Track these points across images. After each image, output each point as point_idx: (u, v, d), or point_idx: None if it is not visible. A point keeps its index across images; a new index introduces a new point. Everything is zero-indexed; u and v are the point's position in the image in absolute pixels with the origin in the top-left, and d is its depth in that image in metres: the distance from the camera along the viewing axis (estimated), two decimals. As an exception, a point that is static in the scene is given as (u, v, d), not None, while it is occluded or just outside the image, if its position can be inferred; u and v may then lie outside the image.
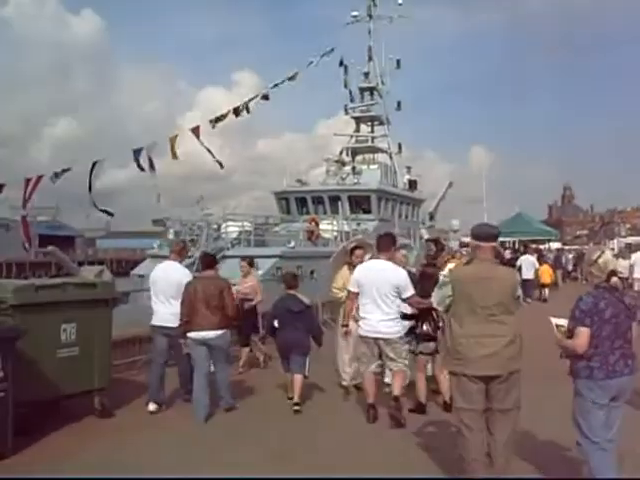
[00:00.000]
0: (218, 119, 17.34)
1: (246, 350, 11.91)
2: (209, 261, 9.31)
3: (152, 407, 8.88)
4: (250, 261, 12.53)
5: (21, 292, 7.50)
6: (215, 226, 27.90)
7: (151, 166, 14.62)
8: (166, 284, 9.14)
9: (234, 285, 10.36)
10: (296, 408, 8.85)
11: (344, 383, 10.02)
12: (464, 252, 12.41)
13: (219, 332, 8.67)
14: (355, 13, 43.86)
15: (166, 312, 9.02)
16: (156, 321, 9.19)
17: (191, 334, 8.66)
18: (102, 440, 7.60)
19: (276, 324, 9.38)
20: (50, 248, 15.26)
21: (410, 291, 8.29)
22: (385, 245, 8.66)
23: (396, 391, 8.34)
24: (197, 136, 15.98)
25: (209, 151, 15.94)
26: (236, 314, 9.24)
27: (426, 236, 30.26)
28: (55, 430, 7.73)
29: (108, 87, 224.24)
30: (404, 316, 8.49)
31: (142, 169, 14.68)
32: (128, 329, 9.86)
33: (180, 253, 9.69)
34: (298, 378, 9.11)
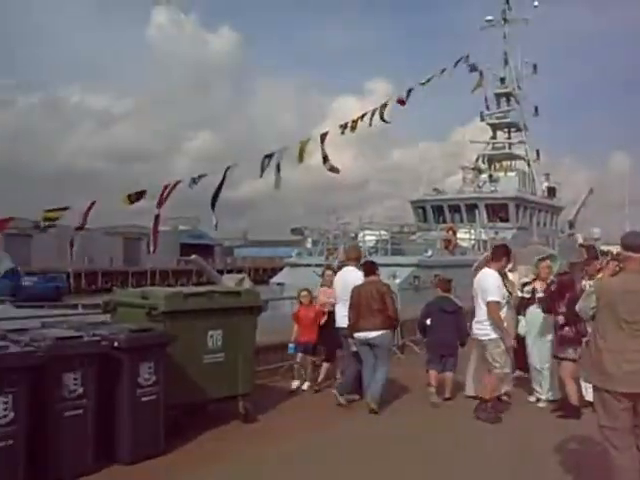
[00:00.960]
0: (347, 125, 17.33)
1: (327, 366, 10.89)
2: (371, 267, 10.00)
3: (305, 386, 10.32)
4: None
5: (171, 300, 7.79)
6: (352, 235, 28.08)
7: (278, 171, 14.80)
8: (343, 288, 10.03)
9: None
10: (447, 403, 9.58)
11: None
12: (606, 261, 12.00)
13: (381, 332, 9.43)
14: (489, 18, 43.23)
15: (342, 314, 9.88)
16: (338, 323, 10.17)
17: (357, 334, 9.53)
18: (247, 443, 7.81)
19: (428, 322, 10.12)
20: (193, 257, 15.81)
21: (490, 296, 8.73)
22: (496, 256, 9.19)
23: (484, 393, 8.89)
24: (322, 141, 16.01)
25: (325, 158, 15.99)
26: (396, 315, 9.74)
27: (580, 241, 29.41)
28: (202, 433, 7.98)
29: (244, 100, 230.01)
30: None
31: (261, 174, 14.79)
32: (269, 336, 10.08)
33: (358, 259, 10.68)
34: (449, 376, 9.94)
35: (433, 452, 7.50)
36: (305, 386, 10.51)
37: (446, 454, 7.42)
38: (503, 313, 8.99)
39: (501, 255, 9.16)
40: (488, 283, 8.85)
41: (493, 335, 8.78)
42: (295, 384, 10.51)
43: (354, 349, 9.77)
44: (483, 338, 8.92)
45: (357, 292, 9.56)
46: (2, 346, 6.00)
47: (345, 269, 10.61)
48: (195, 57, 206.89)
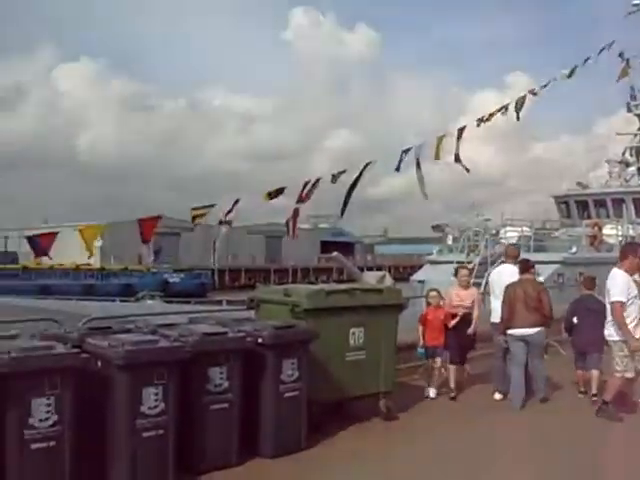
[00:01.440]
0: (483, 119, 16.96)
1: (458, 368, 10.30)
2: (526, 265, 10.18)
3: (497, 396, 9.86)
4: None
5: (314, 297, 7.86)
6: (493, 232, 27.52)
7: (418, 166, 14.65)
8: (497, 285, 10.24)
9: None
10: (594, 399, 9.39)
11: None
12: None
13: (537, 329, 9.58)
14: (637, 1, 41.15)
15: (498, 311, 9.99)
16: (493, 319, 10.33)
17: (511, 331, 9.65)
18: (387, 442, 7.79)
19: (575, 320, 10.11)
20: (334, 254, 15.93)
21: (614, 297, 8.53)
22: (623, 254, 8.98)
23: (606, 395, 8.78)
24: (459, 137, 15.72)
25: (457, 158, 15.67)
26: (551, 314, 9.77)
27: None
28: (343, 430, 8.01)
29: (382, 98, 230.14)
30: None
31: (398, 166, 14.68)
32: (410, 334, 10.00)
33: (515, 257, 10.81)
34: (595, 374, 9.78)
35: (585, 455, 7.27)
36: (432, 393, 9.92)
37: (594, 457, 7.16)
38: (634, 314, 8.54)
39: (626, 254, 8.87)
40: (614, 283, 8.62)
41: (616, 337, 8.56)
42: (432, 392, 9.96)
43: (505, 345, 9.93)
44: (608, 339, 8.80)
45: (512, 289, 9.72)
46: (153, 340, 6.24)
47: (502, 266, 10.98)
48: (333, 56, 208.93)
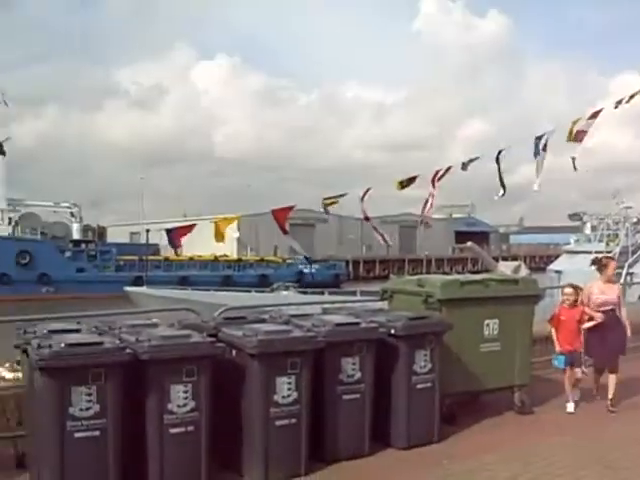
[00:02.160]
0: (622, 101, 16.17)
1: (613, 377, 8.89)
2: None
3: (570, 408, 8.63)
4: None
5: (447, 287, 7.75)
6: (634, 220, 26.38)
7: (538, 154, 14.19)
8: None
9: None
10: None
11: None
12: None
13: None
14: None
15: None
16: None
17: None
18: (521, 436, 7.58)
19: None
20: (469, 244, 15.70)
21: None
22: None
23: None
24: (591, 118, 15.03)
25: (573, 161, 14.97)
26: None
27: None
28: (475, 423, 7.86)
29: (516, 84, 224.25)
30: None
31: (537, 154, 14.23)
32: (545, 326, 9.70)
33: None
34: None
35: None
36: (571, 407, 8.59)
37: None
38: None
39: None
40: None
41: None
42: (570, 407, 8.62)
43: None
44: None
45: None
46: (286, 330, 6.33)
47: None
48: (465, 43, 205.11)
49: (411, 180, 12.41)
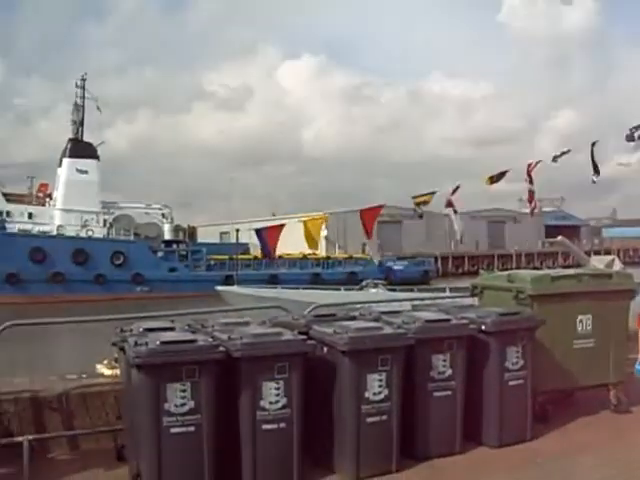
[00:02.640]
0: None
1: None
2: None
3: None
4: None
5: (538, 282, 7.62)
6: None
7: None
8: None
9: None
10: None
11: None
12: None
13: None
14: None
15: None
16: None
17: None
18: (617, 436, 7.38)
19: None
20: (559, 238, 15.36)
21: None
22: None
23: None
24: None
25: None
26: None
27: None
28: (570, 421, 7.70)
29: (606, 73, 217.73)
30: None
31: (631, 139, 13.84)
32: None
33: None
34: None
35: None
36: None
37: None
38: None
39: None
40: None
41: None
42: None
43: None
44: None
45: None
46: (376, 327, 6.34)
47: None
48: (550, 33, 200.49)
49: (501, 175, 12.29)
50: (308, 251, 59.37)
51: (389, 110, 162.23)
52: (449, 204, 12.27)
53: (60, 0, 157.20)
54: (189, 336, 5.72)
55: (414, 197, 11.55)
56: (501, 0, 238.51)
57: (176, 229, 66.09)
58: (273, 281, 48.36)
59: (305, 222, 10.71)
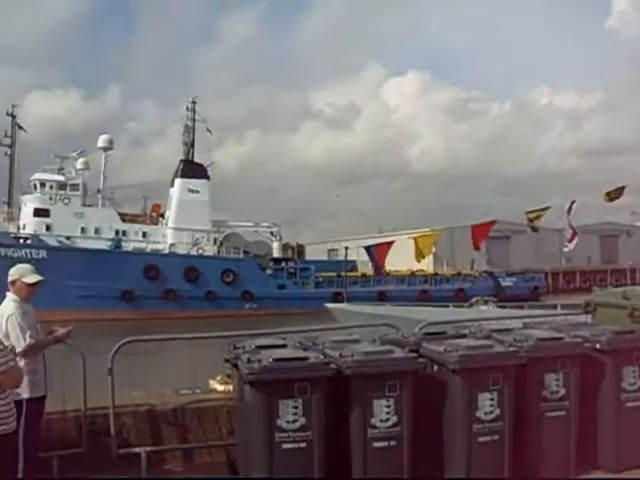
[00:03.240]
0: None
1: None
2: None
3: None
4: None
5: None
6: None
7: None
8: None
9: None
10: None
11: None
12: None
13: None
14: None
15: None
16: None
17: None
18: None
19: None
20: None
21: None
22: None
23: None
24: None
25: None
26: None
27: None
28: None
29: None
30: None
31: None
32: None
33: None
34: None
35: None
36: None
37: None
38: None
39: None
40: None
41: None
42: None
43: None
44: None
45: None
46: (487, 345, 6.28)
47: None
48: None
49: (619, 191, 11.95)
50: (416, 268, 59.18)
51: (495, 124, 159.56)
52: (570, 225, 12.00)
53: (173, 26, 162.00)
54: (301, 353, 5.82)
55: (527, 212, 11.32)
56: (609, 6, 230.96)
57: (285, 247, 66.91)
58: (381, 298, 48.13)
59: (415, 239, 10.69)
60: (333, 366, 5.56)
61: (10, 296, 6.05)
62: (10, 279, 6.10)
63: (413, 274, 62.06)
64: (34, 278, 6.13)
